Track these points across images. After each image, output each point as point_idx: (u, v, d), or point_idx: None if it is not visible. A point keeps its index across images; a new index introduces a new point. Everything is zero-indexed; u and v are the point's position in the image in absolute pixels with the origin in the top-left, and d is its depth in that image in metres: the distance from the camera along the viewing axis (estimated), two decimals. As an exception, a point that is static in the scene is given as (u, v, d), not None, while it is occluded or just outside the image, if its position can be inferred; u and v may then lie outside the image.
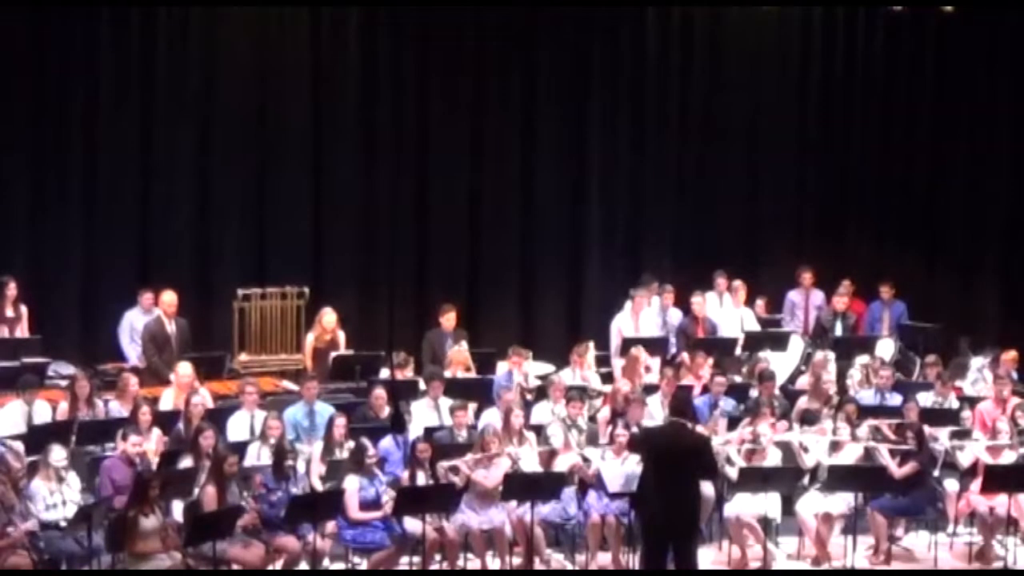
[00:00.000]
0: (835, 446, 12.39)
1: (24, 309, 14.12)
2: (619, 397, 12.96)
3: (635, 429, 12.03)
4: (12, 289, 14.01)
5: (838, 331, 15.59)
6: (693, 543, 10.52)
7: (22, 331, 14.07)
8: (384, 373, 13.56)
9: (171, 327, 14.05)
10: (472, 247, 16.86)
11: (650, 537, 10.46)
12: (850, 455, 12.30)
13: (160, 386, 13.35)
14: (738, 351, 14.99)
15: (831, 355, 14.52)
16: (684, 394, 12.33)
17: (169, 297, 14.12)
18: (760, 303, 16.17)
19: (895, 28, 17.70)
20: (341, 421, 12.10)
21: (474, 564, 11.73)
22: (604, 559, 11.92)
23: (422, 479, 11.49)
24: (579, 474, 12.10)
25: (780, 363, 14.63)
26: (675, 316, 15.42)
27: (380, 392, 12.76)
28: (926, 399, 13.46)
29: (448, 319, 14.68)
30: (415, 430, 12.41)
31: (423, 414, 12.91)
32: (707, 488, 12.15)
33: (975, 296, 17.94)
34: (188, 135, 15.75)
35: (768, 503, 11.89)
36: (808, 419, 13.12)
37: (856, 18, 17.65)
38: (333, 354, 14.25)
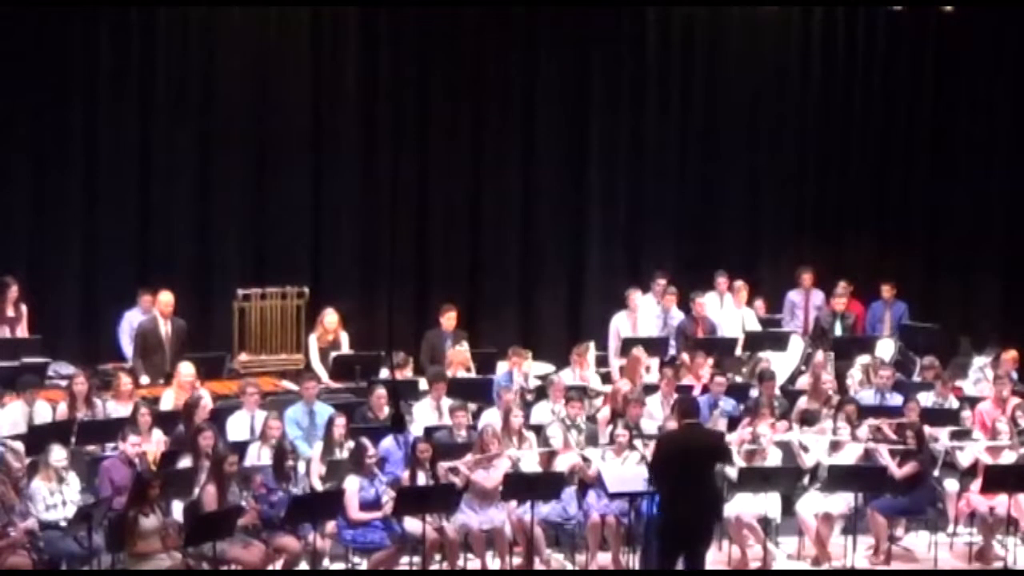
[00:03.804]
0: (835, 446, 12.40)
1: (24, 308, 14.14)
2: (619, 397, 12.97)
3: (659, 433, 12.01)
4: (14, 291, 14.03)
5: (837, 331, 15.58)
6: (707, 545, 10.54)
7: (22, 331, 14.08)
8: (384, 373, 13.56)
9: (166, 328, 14.01)
10: (472, 247, 16.85)
11: (669, 539, 10.42)
12: (850, 455, 12.30)
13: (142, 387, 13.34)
14: (738, 351, 14.99)
15: (831, 355, 14.54)
16: (690, 395, 12.34)
17: (166, 297, 14.08)
18: (760, 303, 16.16)
19: (895, 28, 17.70)
20: (341, 421, 12.09)
21: (474, 564, 11.73)
22: (604, 559, 11.92)
23: (423, 479, 11.49)
24: (579, 474, 12.10)
25: (780, 363, 14.62)
26: (677, 317, 15.42)
27: (381, 392, 12.76)
28: (926, 399, 13.47)
29: (448, 319, 14.67)
30: (416, 431, 12.42)
31: (425, 415, 12.91)
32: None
33: (975, 296, 17.93)
34: (188, 135, 15.74)
35: (768, 503, 11.89)
36: (808, 419, 13.11)
37: (856, 18, 17.65)
38: (333, 354, 14.25)
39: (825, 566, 12.03)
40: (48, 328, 14.37)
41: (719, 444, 10.94)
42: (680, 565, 10.31)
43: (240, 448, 11.71)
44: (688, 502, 10.27)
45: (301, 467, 11.62)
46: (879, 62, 17.71)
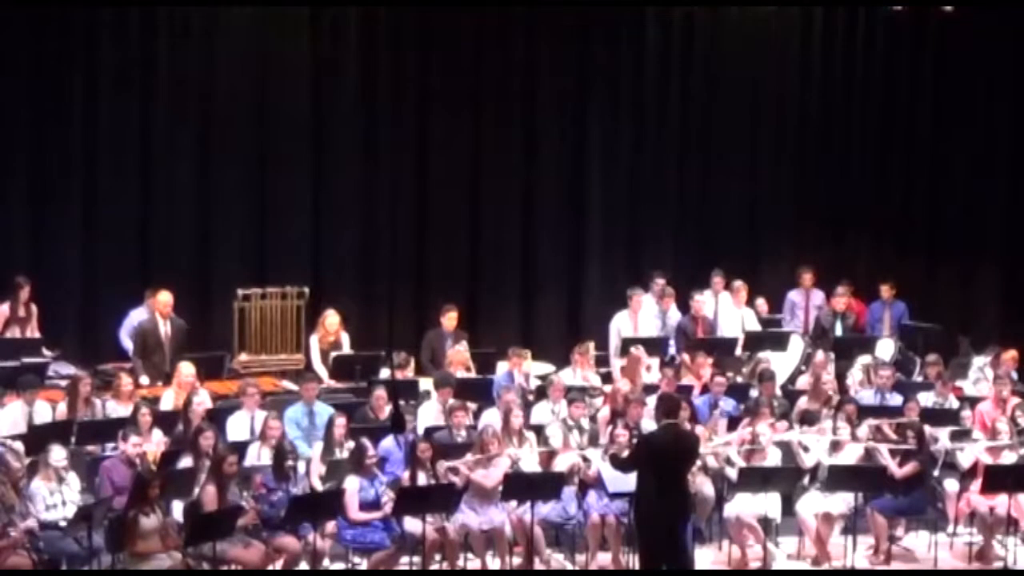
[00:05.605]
0: (835, 446, 12.39)
1: (34, 309, 14.19)
2: (619, 397, 12.97)
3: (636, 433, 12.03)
4: (26, 292, 14.08)
5: (838, 331, 15.59)
6: (686, 536, 10.56)
7: (32, 331, 14.12)
8: (384, 373, 13.56)
9: (165, 328, 14.02)
10: (472, 247, 16.86)
11: (650, 537, 10.46)
12: (850, 455, 12.30)
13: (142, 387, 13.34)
14: (738, 351, 14.99)
15: (831, 355, 14.53)
16: (674, 395, 12.36)
17: (165, 297, 14.09)
18: (762, 302, 16.16)
19: (895, 28, 17.71)
20: (341, 421, 12.09)
21: (474, 564, 11.73)
22: (604, 559, 11.92)
23: (423, 479, 11.48)
24: (579, 474, 12.10)
25: (780, 363, 14.62)
26: (674, 317, 15.42)
27: (381, 392, 12.76)
28: (926, 399, 13.47)
29: (449, 319, 14.67)
30: (419, 432, 12.42)
31: (430, 418, 12.89)
32: (707, 488, 12.20)
33: (975, 296, 17.94)
34: (188, 135, 15.75)
35: (768, 503, 11.89)
36: (808, 419, 13.11)
37: (856, 18, 17.66)
38: (333, 354, 14.25)
39: (825, 566, 12.02)
40: (49, 328, 14.37)
41: (694, 448, 10.93)
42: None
43: (240, 448, 11.69)
44: (666, 501, 10.31)
45: (301, 467, 11.62)
46: (879, 62, 17.73)
